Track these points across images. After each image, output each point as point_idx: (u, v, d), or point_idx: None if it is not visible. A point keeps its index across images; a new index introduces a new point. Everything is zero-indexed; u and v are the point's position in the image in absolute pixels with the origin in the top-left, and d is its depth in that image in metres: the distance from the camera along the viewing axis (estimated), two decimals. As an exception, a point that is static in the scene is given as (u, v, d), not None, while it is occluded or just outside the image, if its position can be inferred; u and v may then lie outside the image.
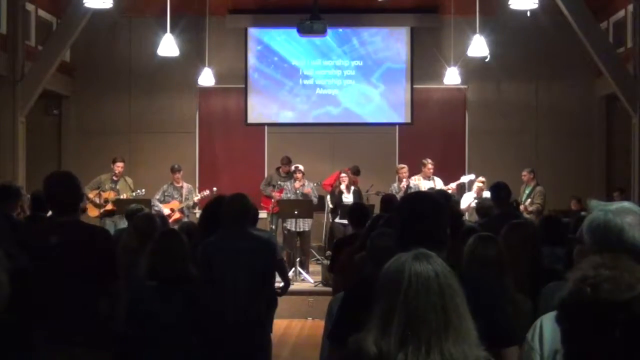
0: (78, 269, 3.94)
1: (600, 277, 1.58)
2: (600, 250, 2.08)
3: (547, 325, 2.08)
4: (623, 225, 2.09)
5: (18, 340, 2.22)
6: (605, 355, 1.53)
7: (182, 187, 12.16)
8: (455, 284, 2.04)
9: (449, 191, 11.44)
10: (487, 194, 10.88)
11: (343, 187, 11.90)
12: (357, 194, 11.96)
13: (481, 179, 11.63)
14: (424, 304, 1.98)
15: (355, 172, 12.76)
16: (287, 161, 12.67)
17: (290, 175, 12.28)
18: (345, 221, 10.48)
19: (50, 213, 5.52)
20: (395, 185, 12.15)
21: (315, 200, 11.84)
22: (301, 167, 12.02)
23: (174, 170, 12.15)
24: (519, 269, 3.87)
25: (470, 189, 12.20)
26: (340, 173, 12.29)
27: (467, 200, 11.37)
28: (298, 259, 11.37)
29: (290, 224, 11.67)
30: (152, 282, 4.24)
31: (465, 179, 12.68)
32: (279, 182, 12.24)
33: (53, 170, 5.44)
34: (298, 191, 11.82)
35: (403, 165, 12.44)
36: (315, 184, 12.20)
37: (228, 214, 5.02)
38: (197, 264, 4.56)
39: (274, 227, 11.77)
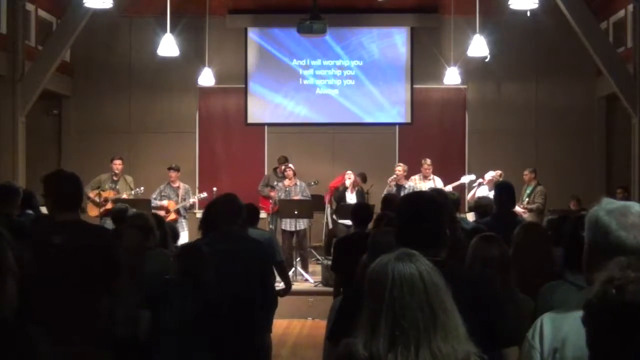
0: (79, 269, 3.93)
1: (626, 279, 1.57)
2: (592, 249, 2.07)
3: (547, 324, 2.07)
4: (610, 225, 2.04)
5: (18, 340, 2.21)
6: (630, 358, 1.52)
7: (178, 187, 12.01)
8: (439, 281, 2.04)
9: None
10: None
11: (348, 183, 11.88)
12: (360, 194, 11.95)
13: (499, 172, 11.60)
14: (409, 303, 1.98)
15: (363, 179, 12.65)
16: (284, 160, 12.63)
17: (286, 175, 12.26)
18: (347, 221, 10.46)
19: (45, 212, 5.50)
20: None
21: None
22: (291, 165, 12.00)
23: (169, 169, 12.06)
24: (530, 269, 3.86)
25: (470, 189, 12.22)
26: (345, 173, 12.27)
27: (481, 193, 11.28)
28: (298, 259, 11.36)
29: (285, 224, 11.65)
30: (170, 278, 4.28)
31: (465, 179, 12.65)
32: (275, 182, 12.20)
33: (53, 170, 5.40)
34: (287, 189, 11.78)
35: (398, 164, 12.41)
36: (312, 183, 12.17)
37: (217, 215, 4.84)
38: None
39: (273, 227, 11.74)
